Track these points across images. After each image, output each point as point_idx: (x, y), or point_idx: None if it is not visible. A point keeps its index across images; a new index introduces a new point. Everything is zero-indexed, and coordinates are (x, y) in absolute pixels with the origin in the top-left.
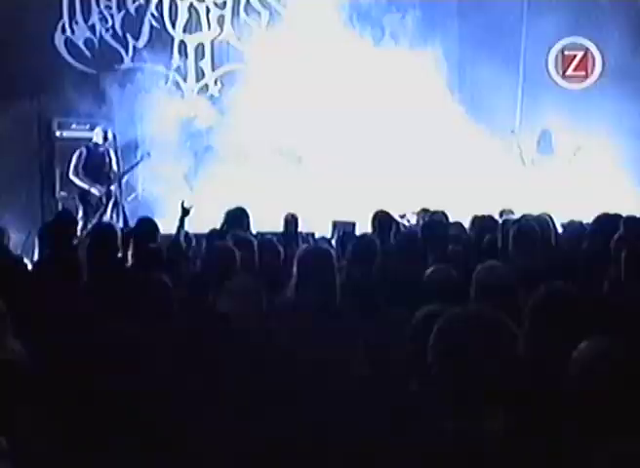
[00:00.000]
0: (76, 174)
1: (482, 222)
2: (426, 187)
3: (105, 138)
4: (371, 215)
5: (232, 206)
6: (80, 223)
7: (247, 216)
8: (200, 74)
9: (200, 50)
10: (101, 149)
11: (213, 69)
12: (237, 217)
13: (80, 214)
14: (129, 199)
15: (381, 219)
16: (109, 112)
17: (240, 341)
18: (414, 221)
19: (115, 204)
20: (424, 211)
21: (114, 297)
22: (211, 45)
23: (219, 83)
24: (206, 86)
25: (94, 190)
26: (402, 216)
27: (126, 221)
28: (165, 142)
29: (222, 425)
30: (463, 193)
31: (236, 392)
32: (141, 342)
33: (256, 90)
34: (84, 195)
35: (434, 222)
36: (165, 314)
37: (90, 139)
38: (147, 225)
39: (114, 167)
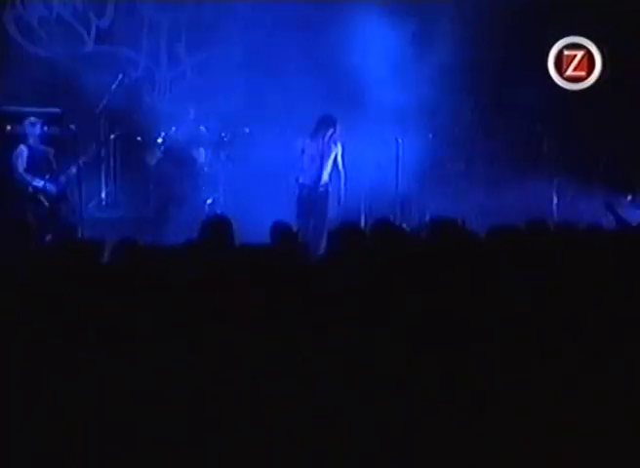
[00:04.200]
0: (22, 173)
1: None
2: None
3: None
4: None
5: None
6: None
7: (229, 227)
8: (175, 59)
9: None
10: (42, 146)
11: (190, 54)
12: (217, 228)
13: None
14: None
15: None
16: (68, 104)
17: None
18: None
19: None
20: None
21: None
22: (188, 25)
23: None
24: (182, 73)
25: (47, 189)
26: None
27: (88, 232)
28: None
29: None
30: None
31: None
32: None
33: None
34: (35, 195)
35: None
36: None
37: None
38: None
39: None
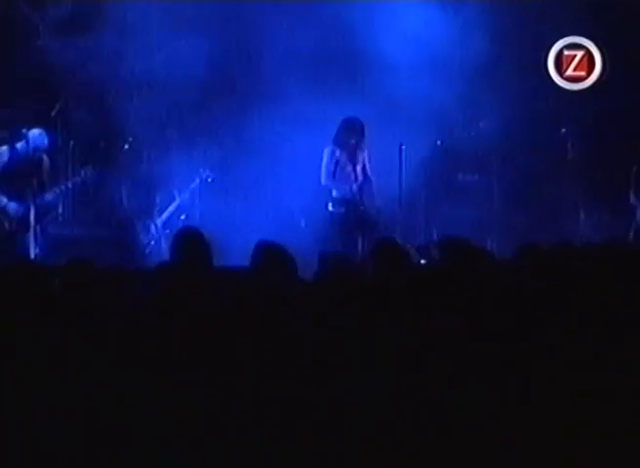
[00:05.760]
0: None
1: None
2: None
3: (39, 142)
4: None
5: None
6: None
7: (205, 242)
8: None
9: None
10: (31, 155)
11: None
12: (191, 245)
13: None
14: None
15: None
16: (19, 105)
17: None
18: None
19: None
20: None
21: None
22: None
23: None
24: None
25: (10, 209)
26: None
27: (44, 250)
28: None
29: None
30: None
31: None
32: None
33: None
34: None
35: None
36: None
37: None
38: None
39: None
